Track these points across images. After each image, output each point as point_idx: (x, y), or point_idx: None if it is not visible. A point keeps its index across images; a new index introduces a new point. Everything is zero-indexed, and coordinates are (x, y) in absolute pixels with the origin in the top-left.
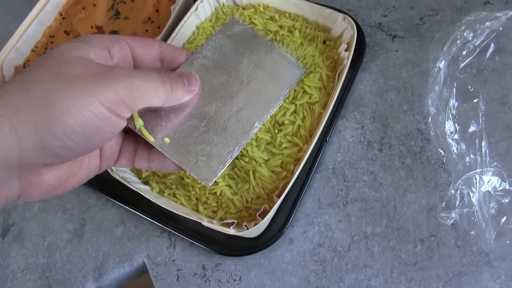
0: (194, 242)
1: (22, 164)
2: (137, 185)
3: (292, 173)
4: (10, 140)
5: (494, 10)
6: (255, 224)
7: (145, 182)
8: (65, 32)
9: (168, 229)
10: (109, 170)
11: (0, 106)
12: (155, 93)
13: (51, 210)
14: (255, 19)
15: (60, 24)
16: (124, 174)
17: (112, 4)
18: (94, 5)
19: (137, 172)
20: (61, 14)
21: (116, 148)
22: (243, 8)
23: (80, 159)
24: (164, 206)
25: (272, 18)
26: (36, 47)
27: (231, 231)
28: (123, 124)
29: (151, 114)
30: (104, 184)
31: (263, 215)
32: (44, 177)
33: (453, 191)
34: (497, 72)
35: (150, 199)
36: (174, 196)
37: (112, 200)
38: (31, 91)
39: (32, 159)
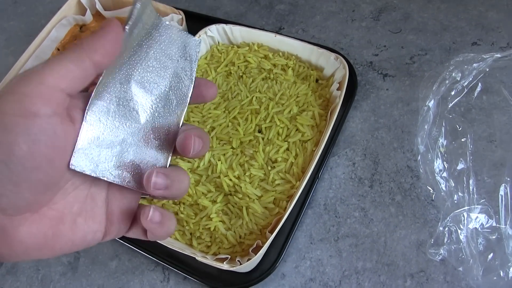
0: (188, 276)
1: None
2: None
3: (285, 209)
4: None
5: (481, 51)
6: (248, 259)
7: None
8: None
9: (162, 263)
10: None
11: None
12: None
13: None
14: (250, 57)
15: None
16: None
17: None
18: None
19: None
20: (58, 49)
21: (129, 215)
22: (238, 47)
23: (68, 217)
24: (158, 241)
25: (266, 57)
26: None
27: (225, 266)
28: (70, 128)
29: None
30: None
31: (256, 250)
32: (12, 232)
33: (441, 228)
34: (484, 111)
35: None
36: None
37: None
38: None
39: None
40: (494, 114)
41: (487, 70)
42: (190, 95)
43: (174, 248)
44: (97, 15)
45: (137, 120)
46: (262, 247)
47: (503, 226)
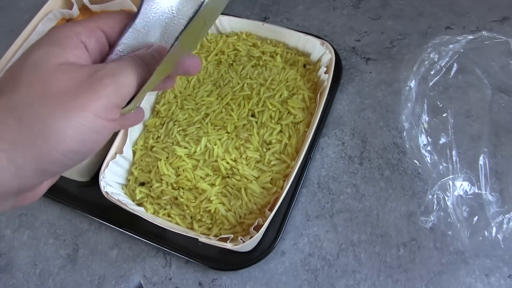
0: (190, 259)
1: (20, 189)
2: (132, 207)
3: (282, 188)
4: (8, 172)
5: (455, 34)
6: (251, 237)
7: (139, 204)
8: None
9: (163, 248)
10: (104, 194)
11: None
12: (137, 81)
13: (42, 238)
14: (239, 45)
15: None
16: (119, 197)
17: None
18: None
19: (131, 195)
20: None
21: None
22: (227, 36)
23: None
24: (161, 226)
25: (254, 45)
26: None
27: (228, 245)
28: (117, 125)
29: None
30: (97, 208)
31: (257, 228)
32: (37, 190)
33: (430, 196)
34: (461, 89)
35: (148, 219)
36: (169, 216)
37: (106, 223)
38: (23, 118)
39: (31, 182)
40: (469, 91)
41: (461, 51)
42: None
43: (178, 232)
44: (83, 9)
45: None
46: (263, 225)
47: (484, 192)
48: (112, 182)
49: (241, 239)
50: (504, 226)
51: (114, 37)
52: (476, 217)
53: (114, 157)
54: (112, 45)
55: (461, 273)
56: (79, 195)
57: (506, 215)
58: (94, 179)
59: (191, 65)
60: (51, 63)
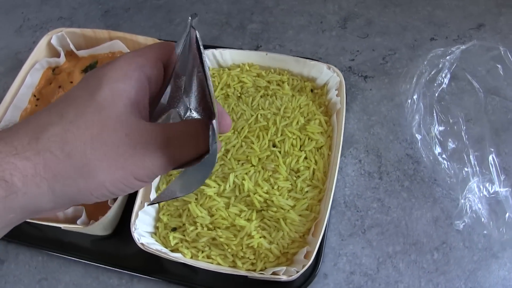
0: None
1: (53, 209)
2: (171, 255)
3: (319, 213)
4: (47, 197)
5: (439, 44)
6: (303, 266)
7: (174, 250)
8: None
9: None
10: (140, 246)
11: (40, 166)
12: (186, 156)
13: None
14: (243, 77)
15: (36, 105)
16: (155, 247)
17: None
18: (71, 82)
19: (163, 242)
20: (34, 96)
21: None
22: (229, 69)
23: None
24: (206, 268)
25: (259, 75)
26: None
27: (283, 277)
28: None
29: None
30: (124, 260)
31: (307, 256)
32: (55, 211)
33: (462, 201)
34: (457, 96)
35: (190, 264)
36: (208, 257)
37: (137, 274)
38: (71, 156)
39: (64, 208)
40: (464, 97)
41: (457, 61)
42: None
43: (226, 272)
44: (68, 55)
45: None
46: (312, 251)
47: (500, 190)
48: (143, 232)
49: (295, 270)
50: None
51: (168, 68)
52: (507, 214)
53: (141, 206)
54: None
55: (494, 268)
56: (101, 250)
57: None
58: (114, 232)
59: (224, 124)
60: (116, 107)
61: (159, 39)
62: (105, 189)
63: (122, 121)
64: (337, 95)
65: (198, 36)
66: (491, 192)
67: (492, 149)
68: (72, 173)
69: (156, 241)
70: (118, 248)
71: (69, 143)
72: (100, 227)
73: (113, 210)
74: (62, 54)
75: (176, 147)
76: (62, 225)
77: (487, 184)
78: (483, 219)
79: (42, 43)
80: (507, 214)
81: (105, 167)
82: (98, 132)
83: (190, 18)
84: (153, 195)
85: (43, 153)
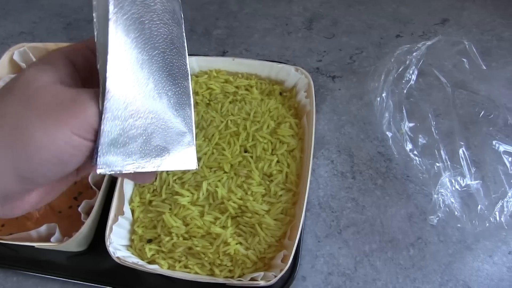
0: None
1: (3, 194)
2: (148, 267)
3: (294, 216)
4: None
5: (406, 41)
6: (281, 270)
7: (151, 262)
8: None
9: None
10: (116, 260)
11: None
12: None
13: None
14: (211, 84)
15: None
16: (132, 260)
17: None
18: None
19: (139, 254)
20: None
21: None
22: (196, 76)
23: None
24: (183, 278)
25: (226, 81)
26: None
27: (261, 283)
28: (94, 145)
29: None
30: (100, 275)
31: (285, 260)
32: (26, 199)
33: (435, 196)
34: (425, 92)
35: (170, 276)
36: (186, 267)
37: None
38: (5, 125)
39: (13, 189)
40: (432, 92)
41: (424, 56)
42: (188, 64)
43: (204, 281)
44: None
45: (155, 99)
46: (289, 255)
47: (472, 183)
48: (119, 246)
49: (273, 274)
50: (505, 209)
51: None
52: (479, 206)
53: (115, 220)
54: None
55: (468, 259)
56: (78, 266)
57: (505, 199)
58: (89, 247)
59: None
60: (41, 81)
61: None
62: (46, 150)
63: (48, 87)
64: (306, 97)
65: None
66: (463, 185)
67: (462, 143)
68: (8, 140)
69: (132, 254)
70: (95, 263)
71: (1, 116)
72: (74, 244)
73: (87, 226)
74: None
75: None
76: (35, 244)
77: (458, 178)
78: (456, 213)
79: (4, 60)
80: (479, 206)
81: (39, 127)
82: (27, 103)
83: None
84: (126, 208)
85: None
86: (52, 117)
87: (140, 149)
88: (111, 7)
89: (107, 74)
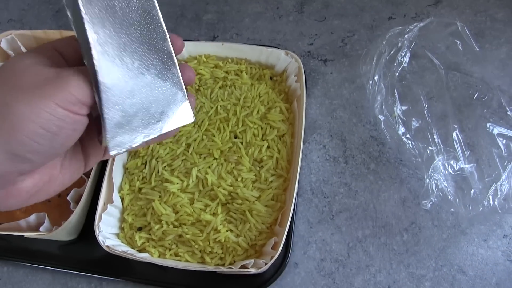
0: None
1: None
2: (138, 255)
3: (285, 202)
4: None
5: (398, 23)
6: (271, 257)
7: (141, 250)
8: None
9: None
10: (106, 248)
11: None
12: None
13: None
14: (201, 69)
15: None
16: (121, 248)
17: None
18: None
19: (129, 243)
20: None
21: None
22: (185, 61)
23: (58, 163)
24: (174, 266)
25: (216, 66)
26: None
27: (252, 270)
28: (84, 120)
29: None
30: (91, 264)
31: (275, 247)
32: (20, 185)
33: (428, 180)
34: (417, 74)
35: (158, 264)
36: (176, 255)
37: (106, 277)
38: None
39: (4, 168)
40: (426, 74)
41: (416, 39)
42: (163, 24)
43: (194, 269)
44: None
45: (143, 74)
46: (279, 242)
47: (465, 166)
48: (108, 234)
49: (263, 262)
50: (499, 193)
51: None
52: (473, 190)
53: (104, 208)
54: None
55: (462, 244)
56: (68, 255)
57: (498, 183)
58: (80, 236)
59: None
60: (25, 63)
61: None
62: (32, 123)
63: (31, 67)
64: (296, 81)
65: None
66: (456, 169)
67: (456, 126)
68: None
69: (122, 242)
70: (85, 252)
71: None
72: (64, 233)
73: (76, 214)
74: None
75: (86, 74)
76: (24, 234)
77: (452, 162)
78: (449, 197)
79: None
80: (473, 190)
81: (24, 101)
82: (12, 82)
83: None
84: (116, 196)
85: None
86: (36, 92)
87: (142, 121)
88: (81, 7)
89: (96, 69)
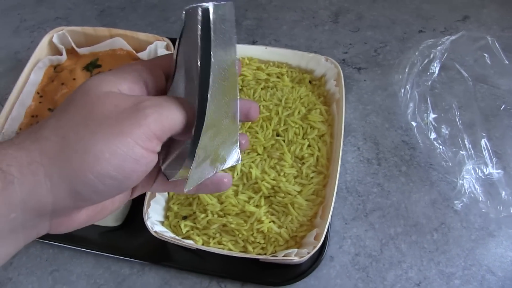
0: (246, 282)
1: (55, 209)
2: (184, 242)
3: (324, 197)
4: (44, 187)
5: (428, 36)
6: (314, 247)
7: (185, 238)
8: (49, 109)
9: (216, 276)
10: (154, 234)
11: (37, 152)
12: (181, 118)
13: None
14: (244, 70)
15: (40, 102)
16: (168, 234)
17: (91, 76)
18: (74, 79)
19: (173, 230)
20: (38, 93)
21: (154, 172)
22: None
23: None
24: (218, 253)
25: (258, 68)
26: (20, 128)
27: (295, 259)
28: (155, 160)
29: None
30: (134, 250)
31: (317, 238)
32: (75, 217)
33: (460, 182)
34: (447, 85)
35: (206, 250)
36: (219, 244)
37: (149, 263)
38: (65, 137)
39: (64, 204)
40: (454, 85)
41: (447, 51)
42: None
43: (238, 256)
44: (69, 53)
45: (227, 117)
46: (322, 233)
47: (494, 171)
48: (155, 221)
49: (306, 251)
50: None
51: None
52: (503, 192)
53: (153, 196)
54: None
55: (491, 246)
56: (111, 240)
57: None
58: (123, 223)
59: (249, 109)
60: (102, 89)
61: (169, 37)
62: (105, 162)
63: (109, 95)
64: (335, 86)
65: (200, 21)
66: (486, 173)
67: (484, 134)
68: (67, 151)
69: (167, 229)
70: (127, 238)
71: (62, 128)
72: (111, 218)
73: None
74: (64, 52)
75: (168, 105)
76: None
77: (482, 166)
78: (480, 198)
79: (44, 42)
80: (503, 193)
81: (100, 138)
82: (87, 111)
83: (184, 12)
84: None
85: (39, 141)
86: (113, 127)
87: (210, 161)
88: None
89: (206, 109)
